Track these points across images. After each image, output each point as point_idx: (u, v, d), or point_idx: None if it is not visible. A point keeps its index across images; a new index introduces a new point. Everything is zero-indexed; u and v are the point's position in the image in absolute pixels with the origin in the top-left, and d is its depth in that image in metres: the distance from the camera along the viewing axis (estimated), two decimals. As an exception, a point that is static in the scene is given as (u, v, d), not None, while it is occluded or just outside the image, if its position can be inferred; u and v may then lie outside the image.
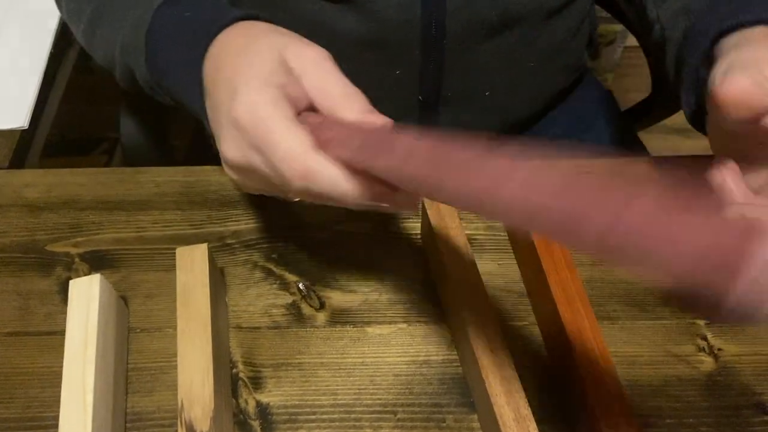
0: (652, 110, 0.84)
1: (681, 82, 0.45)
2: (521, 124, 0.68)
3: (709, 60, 0.41)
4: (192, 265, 0.43)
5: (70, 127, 1.01)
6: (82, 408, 0.38)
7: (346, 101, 0.35)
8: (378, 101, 0.59)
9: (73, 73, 0.73)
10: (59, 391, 0.40)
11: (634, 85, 1.72)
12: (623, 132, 0.75)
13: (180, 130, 0.73)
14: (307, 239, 0.51)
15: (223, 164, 0.37)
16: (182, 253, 0.44)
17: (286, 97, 0.34)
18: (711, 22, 0.42)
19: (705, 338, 0.45)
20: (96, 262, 0.49)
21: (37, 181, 0.53)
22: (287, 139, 0.33)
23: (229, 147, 0.35)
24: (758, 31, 0.39)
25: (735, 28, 0.40)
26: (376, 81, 0.57)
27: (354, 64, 0.56)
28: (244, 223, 0.51)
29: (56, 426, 0.38)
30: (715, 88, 0.36)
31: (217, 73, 0.37)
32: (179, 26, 0.43)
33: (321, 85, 0.35)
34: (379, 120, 0.35)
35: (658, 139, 0.47)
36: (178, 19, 0.43)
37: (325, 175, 0.32)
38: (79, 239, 0.50)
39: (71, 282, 0.42)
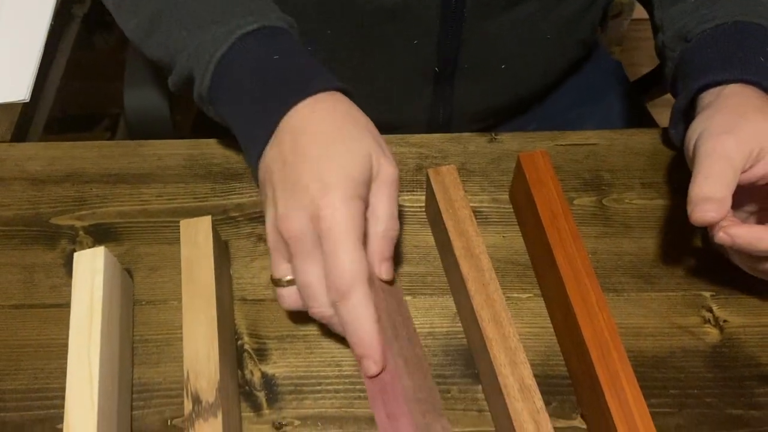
0: (659, 82, 0.83)
1: (672, 113, 0.48)
2: (533, 96, 0.68)
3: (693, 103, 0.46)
4: (196, 237, 0.43)
5: (72, 103, 1.01)
6: (87, 379, 0.38)
7: (382, 238, 0.40)
8: (395, 72, 0.59)
9: (74, 49, 0.73)
10: (65, 363, 0.41)
11: (640, 58, 1.69)
12: (632, 103, 0.74)
13: (183, 105, 0.72)
14: (311, 212, 0.50)
15: (272, 225, 0.39)
16: (186, 225, 0.44)
17: (363, 211, 0.38)
18: (694, 71, 0.46)
19: (710, 310, 0.45)
20: (100, 234, 0.49)
21: (39, 154, 0.53)
22: (351, 253, 0.37)
23: (292, 220, 0.38)
24: (730, 91, 0.43)
25: (714, 84, 0.44)
26: (394, 51, 0.57)
27: (372, 34, 0.56)
28: (248, 196, 0.51)
29: (63, 397, 0.38)
30: (690, 211, 0.40)
31: (299, 145, 0.39)
32: (264, 68, 0.43)
33: (383, 207, 0.40)
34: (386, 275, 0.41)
35: (667, 113, 0.46)
36: (264, 57, 0.43)
37: (359, 308, 0.37)
38: (83, 212, 0.50)
39: (76, 254, 0.42)
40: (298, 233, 0.38)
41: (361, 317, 0.37)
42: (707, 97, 0.44)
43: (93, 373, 0.38)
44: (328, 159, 0.38)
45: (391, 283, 0.42)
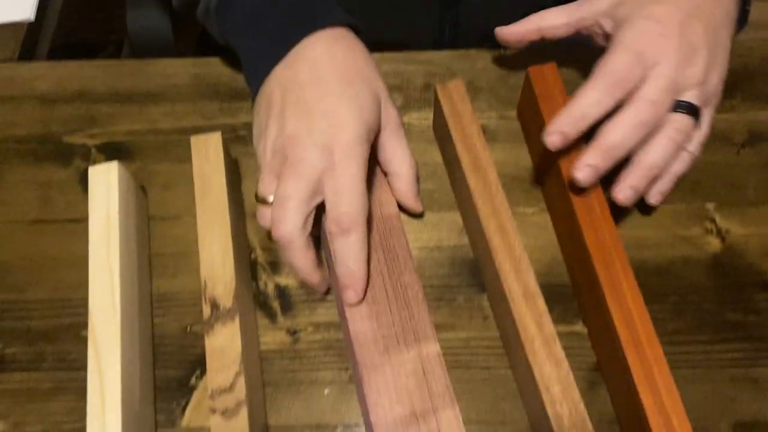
0: None
1: None
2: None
3: None
4: (207, 152, 0.44)
5: (76, 28, 0.99)
6: (109, 286, 0.39)
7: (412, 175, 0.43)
8: None
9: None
10: (85, 274, 0.42)
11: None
12: None
13: (186, 27, 0.71)
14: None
15: (273, 141, 0.40)
16: (197, 141, 0.44)
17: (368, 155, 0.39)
18: None
19: (713, 220, 0.46)
20: (112, 153, 0.50)
21: (47, 74, 0.53)
22: (359, 194, 0.38)
23: (302, 142, 0.38)
24: None
25: None
26: None
27: None
28: (256, 114, 0.51)
29: (84, 305, 0.40)
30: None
31: (319, 75, 0.40)
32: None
33: (402, 149, 0.43)
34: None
35: None
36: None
37: (357, 244, 0.38)
38: (94, 131, 0.51)
39: (90, 169, 0.43)
40: (304, 155, 0.38)
41: (355, 252, 0.39)
42: None
43: (114, 280, 0.39)
44: (348, 98, 0.39)
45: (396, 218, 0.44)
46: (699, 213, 0.46)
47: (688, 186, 0.47)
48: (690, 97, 0.40)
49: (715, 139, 0.46)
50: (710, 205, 0.46)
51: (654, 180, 0.41)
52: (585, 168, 0.39)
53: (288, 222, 0.38)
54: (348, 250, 0.39)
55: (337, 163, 0.38)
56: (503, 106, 0.51)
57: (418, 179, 0.44)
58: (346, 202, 0.38)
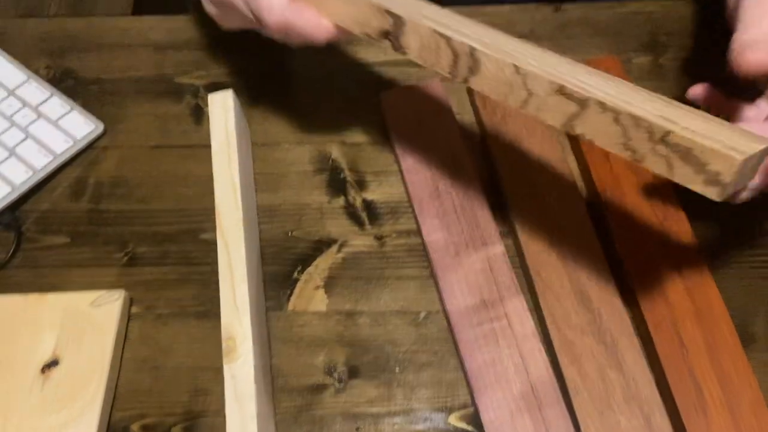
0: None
1: None
2: None
3: None
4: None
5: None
6: (232, 192, 0.46)
7: None
8: None
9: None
10: (200, 188, 0.50)
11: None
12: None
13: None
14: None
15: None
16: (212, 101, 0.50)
17: None
18: None
19: None
20: (217, 90, 0.57)
21: (158, 26, 0.61)
22: None
23: None
24: None
25: None
26: None
27: None
28: (341, 59, 0.58)
29: (202, 214, 0.47)
30: (733, 58, 0.38)
31: None
32: None
33: None
34: None
35: None
36: None
37: (300, 26, 0.39)
38: (201, 72, 0.58)
39: (210, 96, 0.50)
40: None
41: (313, 34, 0.40)
42: None
43: (235, 184, 0.46)
44: None
45: None
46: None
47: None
48: None
49: None
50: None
51: None
52: None
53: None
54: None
55: None
56: (563, 52, 0.57)
57: None
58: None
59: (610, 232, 0.47)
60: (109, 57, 0.59)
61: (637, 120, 0.31)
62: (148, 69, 0.59)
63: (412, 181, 0.50)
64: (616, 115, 0.31)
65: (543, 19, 0.59)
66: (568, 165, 0.50)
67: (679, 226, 0.47)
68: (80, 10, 0.62)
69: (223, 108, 0.50)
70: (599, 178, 0.49)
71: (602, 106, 0.32)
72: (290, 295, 0.48)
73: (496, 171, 0.50)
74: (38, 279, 0.49)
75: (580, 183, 0.51)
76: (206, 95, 0.57)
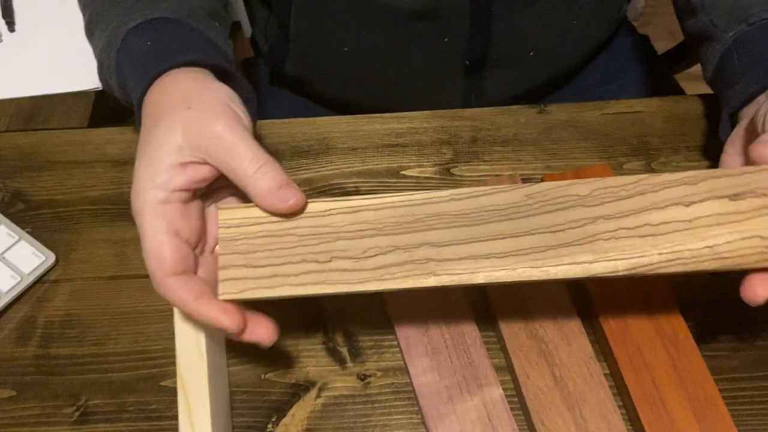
0: (683, 57, 0.85)
1: (725, 105, 0.45)
2: (562, 77, 0.70)
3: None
4: None
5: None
6: (194, 336, 0.41)
7: (257, 175, 0.36)
8: (426, 67, 0.62)
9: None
10: (163, 327, 0.45)
11: (656, 33, 1.70)
12: (661, 76, 0.77)
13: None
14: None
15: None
16: None
17: (169, 203, 0.36)
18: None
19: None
20: (181, 211, 0.53)
21: (117, 138, 0.57)
22: (151, 257, 0.36)
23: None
24: None
25: None
26: (425, 49, 0.60)
27: (403, 35, 0.59)
28: (314, 171, 0.55)
29: (163, 356, 0.42)
30: (753, 148, 0.36)
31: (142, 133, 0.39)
32: (138, 56, 0.42)
33: (226, 161, 0.36)
34: (293, 197, 0.36)
35: (691, 88, 0.49)
36: (140, 50, 0.42)
37: (175, 301, 0.36)
38: (163, 190, 0.54)
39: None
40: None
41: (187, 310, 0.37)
42: None
43: (199, 327, 0.41)
44: (141, 155, 0.38)
45: None
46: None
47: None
48: None
49: None
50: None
51: None
52: None
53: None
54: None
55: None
56: (549, 156, 0.54)
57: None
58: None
59: (618, 369, 0.43)
60: (63, 175, 0.55)
61: None
62: (105, 187, 0.54)
63: (398, 315, 0.46)
64: None
65: (527, 121, 0.56)
66: (566, 294, 0.46)
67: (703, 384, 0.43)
68: (34, 124, 0.58)
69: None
70: (602, 309, 0.45)
71: None
72: (264, 452, 0.43)
73: (489, 299, 0.46)
74: (-25, 444, 0.43)
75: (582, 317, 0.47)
76: (169, 216, 0.53)
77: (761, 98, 0.42)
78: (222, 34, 0.47)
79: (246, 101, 0.41)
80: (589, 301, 0.45)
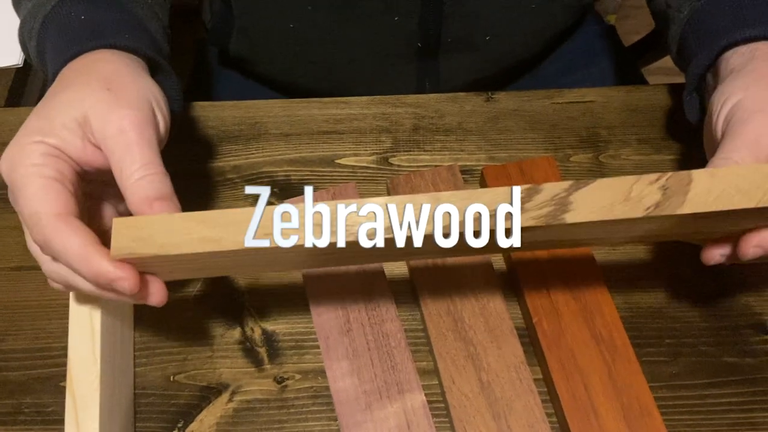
0: (655, 47, 0.83)
1: (685, 85, 0.43)
2: (522, 65, 0.67)
3: (714, 69, 0.40)
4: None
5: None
6: (90, 336, 0.38)
7: (141, 182, 0.32)
8: (375, 50, 0.58)
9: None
10: (66, 323, 0.41)
11: (635, 27, 1.68)
12: (627, 68, 0.74)
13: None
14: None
15: None
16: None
17: (57, 158, 0.33)
18: (717, 27, 0.40)
19: (706, 261, 0.46)
20: (97, 197, 0.49)
21: (34, 119, 0.53)
22: (35, 198, 0.32)
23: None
24: (762, 50, 0.38)
25: (740, 42, 0.39)
26: (375, 28, 0.56)
27: (350, 12, 0.55)
28: (243, 157, 0.51)
29: (65, 355, 0.38)
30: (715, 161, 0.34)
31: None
32: (66, 26, 0.39)
33: (119, 158, 0.33)
34: (169, 207, 0.33)
35: (661, 79, 0.46)
36: (70, 20, 0.39)
37: (63, 245, 0.31)
38: (79, 175, 0.50)
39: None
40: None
41: (75, 260, 0.31)
42: (735, 58, 0.38)
43: (95, 327, 0.38)
44: (41, 106, 0.35)
45: None
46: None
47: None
48: None
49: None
50: (702, 245, 0.46)
51: None
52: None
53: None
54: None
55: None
56: (492, 147, 0.51)
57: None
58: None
59: (550, 375, 0.40)
60: (-28, 156, 0.51)
61: None
62: (17, 171, 0.50)
63: (319, 311, 0.43)
64: None
65: (473, 109, 0.53)
66: (499, 294, 0.43)
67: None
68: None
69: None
70: (536, 311, 0.42)
71: None
72: (167, 460, 0.39)
73: (418, 301, 0.43)
74: None
75: (514, 310, 0.44)
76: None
77: (722, 85, 0.38)
78: (161, 24, 0.44)
79: (171, 100, 0.38)
80: (523, 302, 0.43)
